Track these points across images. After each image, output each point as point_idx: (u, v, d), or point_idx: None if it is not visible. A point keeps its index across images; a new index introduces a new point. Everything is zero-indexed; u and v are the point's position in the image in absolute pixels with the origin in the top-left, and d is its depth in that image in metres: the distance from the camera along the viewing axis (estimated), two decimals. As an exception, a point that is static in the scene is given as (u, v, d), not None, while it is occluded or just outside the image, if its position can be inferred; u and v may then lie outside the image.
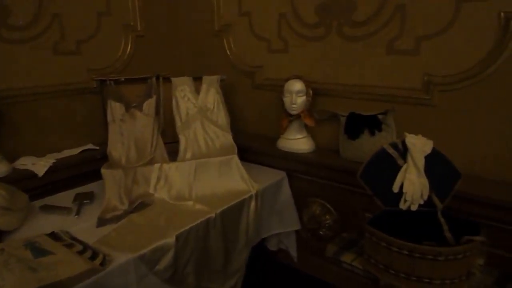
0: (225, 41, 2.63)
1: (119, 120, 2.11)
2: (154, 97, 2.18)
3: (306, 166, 2.23)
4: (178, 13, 2.75)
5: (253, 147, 2.41)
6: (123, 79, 2.17)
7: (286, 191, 2.30)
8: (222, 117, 2.30)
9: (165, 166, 2.03)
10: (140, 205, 1.87)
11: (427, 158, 1.43)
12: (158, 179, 2.01)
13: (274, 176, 2.25)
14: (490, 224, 1.58)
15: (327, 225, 2.25)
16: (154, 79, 2.20)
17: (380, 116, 1.96)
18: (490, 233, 1.43)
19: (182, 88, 2.26)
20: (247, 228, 2.02)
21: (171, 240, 1.60)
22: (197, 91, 2.28)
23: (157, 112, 2.18)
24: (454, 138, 1.80)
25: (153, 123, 2.15)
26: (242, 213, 2.00)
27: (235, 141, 2.22)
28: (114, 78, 2.16)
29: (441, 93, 1.83)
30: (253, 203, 2.03)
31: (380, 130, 1.95)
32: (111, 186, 1.89)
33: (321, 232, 2.28)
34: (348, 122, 2.03)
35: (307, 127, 2.26)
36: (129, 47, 2.54)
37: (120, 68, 2.50)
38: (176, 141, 2.19)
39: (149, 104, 2.17)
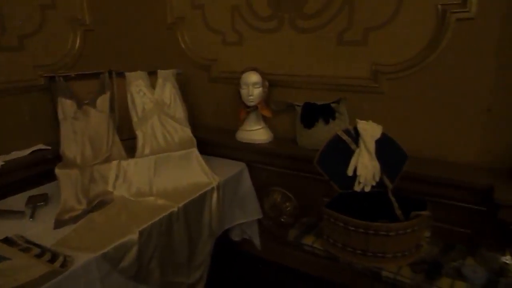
0: (179, 34, 2.60)
1: (71, 118, 2.03)
2: (108, 93, 2.12)
3: (265, 156, 2.28)
4: (129, 6, 2.68)
5: (212, 140, 2.42)
6: (73, 75, 2.09)
7: (246, 182, 2.34)
8: (179, 111, 2.29)
9: (124, 163, 2.00)
10: (99, 204, 1.83)
11: (377, 142, 1.53)
12: (117, 176, 1.97)
13: (234, 167, 2.28)
14: (434, 200, 1.72)
15: (287, 212, 2.33)
16: (106, 74, 2.14)
17: (333, 105, 2.05)
18: (434, 208, 1.57)
19: (137, 83, 2.22)
20: (210, 220, 2.05)
21: (134, 236, 1.58)
22: (153, 85, 2.25)
23: (111, 109, 2.12)
24: (401, 122, 1.92)
25: (108, 120, 2.09)
26: (204, 206, 2.02)
27: (194, 135, 2.23)
28: (63, 74, 2.07)
29: (388, 81, 1.94)
30: (215, 195, 2.05)
31: (333, 118, 2.04)
32: (67, 187, 1.83)
33: (282, 219, 2.36)
34: (304, 112, 2.10)
35: (264, 118, 2.31)
36: (77, 41, 2.44)
37: (70, 64, 2.39)
38: (134, 138, 2.15)
39: (103, 100, 2.11)
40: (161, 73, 2.29)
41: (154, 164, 2.03)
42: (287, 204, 2.33)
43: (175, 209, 1.82)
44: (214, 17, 2.45)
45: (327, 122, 2.04)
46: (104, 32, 2.56)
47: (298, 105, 2.15)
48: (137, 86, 2.22)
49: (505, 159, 1.73)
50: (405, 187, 1.61)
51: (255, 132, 2.28)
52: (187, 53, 2.60)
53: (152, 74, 2.27)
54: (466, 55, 1.73)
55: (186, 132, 2.23)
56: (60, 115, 2.01)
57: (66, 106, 2.03)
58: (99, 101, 2.10)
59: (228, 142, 2.38)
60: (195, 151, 2.13)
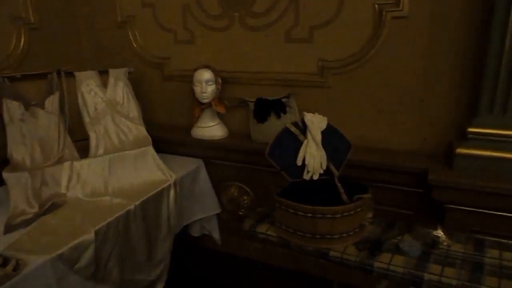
0: (130, 33, 2.58)
1: (18, 120, 1.96)
2: (57, 94, 2.07)
3: (221, 152, 2.34)
4: (76, 3, 2.62)
5: (168, 138, 2.44)
6: (19, 76, 2.02)
7: (204, 178, 2.38)
8: (133, 110, 2.28)
9: (76, 164, 1.97)
10: (52, 206, 1.79)
11: (323, 133, 1.63)
12: (70, 178, 1.94)
13: (191, 164, 2.32)
14: (378, 185, 1.87)
15: (245, 205, 2.40)
16: (54, 74, 2.09)
17: (284, 100, 2.14)
18: (378, 192, 1.70)
19: (88, 83, 2.19)
20: (168, 217, 2.07)
21: (89, 236, 1.58)
22: (104, 85, 2.23)
23: (61, 109, 2.08)
24: (346, 114, 2.05)
25: (58, 121, 2.05)
26: (162, 203, 2.04)
27: (149, 133, 2.23)
28: (8, 75, 2.00)
29: (334, 75, 2.06)
30: (172, 192, 2.08)
31: (285, 112, 2.13)
32: (17, 190, 1.78)
33: (240, 213, 2.42)
34: (256, 107, 2.18)
35: (219, 115, 2.36)
36: (22, 41, 2.35)
37: (14, 65, 2.30)
38: (87, 138, 2.13)
39: (52, 101, 2.06)
40: (112, 72, 2.27)
41: (108, 163, 2.02)
42: (245, 197, 2.40)
43: (132, 207, 1.83)
44: (165, 15, 2.45)
45: (278, 116, 2.13)
46: (51, 31, 2.48)
47: (251, 101, 2.22)
48: (87, 85, 2.19)
49: (438, 145, 1.91)
50: (351, 174, 1.73)
51: (210, 129, 2.33)
52: (140, 52, 2.59)
53: (103, 74, 2.25)
54: (401, 50, 1.88)
55: (140, 130, 2.24)
56: (6, 118, 1.94)
57: (12, 108, 1.96)
58: (47, 102, 2.04)
59: (184, 140, 2.41)
60: (150, 149, 2.14)
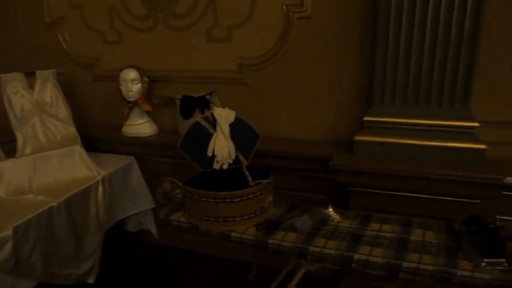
0: (59, 34, 2.62)
1: None
2: (-19, 96, 2.09)
3: (151, 148, 2.43)
4: (6, 4, 2.62)
5: (98, 137, 2.50)
6: None
7: (136, 174, 2.45)
8: (62, 110, 2.32)
9: (-1, 164, 2.00)
10: (-28, 207, 1.82)
11: (232, 125, 1.76)
12: (-7, 178, 1.97)
13: (122, 161, 2.38)
14: (290, 172, 2.03)
15: (178, 198, 2.48)
16: (-23, 76, 2.11)
17: (207, 96, 2.25)
18: (290, 180, 1.85)
19: (14, 85, 2.21)
20: (97, 212, 2.13)
21: (7, 232, 1.63)
22: (31, 86, 2.25)
23: (-14, 112, 2.10)
24: (264, 108, 2.20)
25: (-19, 123, 2.07)
26: (89, 199, 2.10)
27: (81, 133, 2.28)
28: None
29: (251, 72, 2.21)
30: (100, 188, 2.14)
31: (208, 108, 2.24)
32: None
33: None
34: (182, 104, 2.28)
35: (148, 112, 2.45)
36: None
37: None
38: (14, 140, 2.15)
39: (-25, 104, 2.08)
40: (39, 73, 2.30)
41: (34, 163, 2.06)
42: (177, 191, 2.48)
43: (55, 204, 1.88)
44: (93, 17, 2.51)
45: (203, 112, 2.24)
46: (-25, 33, 2.48)
47: (177, 99, 2.32)
48: (14, 87, 2.21)
49: (345, 135, 2.08)
50: (263, 163, 1.87)
51: (140, 126, 2.41)
52: (69, 53, 2.63)
53: (31, 75, 2.27)
54: (308, 47, 2.04)
55: (69, 130, 2.28)
56: None
57: None
58: (-31, 104, 2.06)
59: (115, 137, 2.47)
60: (77, 148, 2.20)
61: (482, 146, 1.68)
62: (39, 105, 2.25)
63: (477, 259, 1.27)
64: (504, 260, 1.25)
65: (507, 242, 1.31)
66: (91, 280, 2.14)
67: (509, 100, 1.79)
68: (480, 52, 1.63)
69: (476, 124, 1.69)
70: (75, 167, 2.16)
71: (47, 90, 2.30)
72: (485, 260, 1.25)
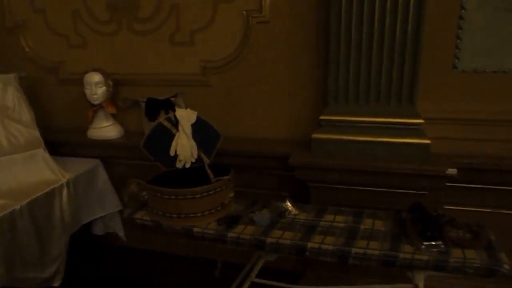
0: (21, 38, 2.60)
1: None
2: None
3: (117, 151, 2.45)
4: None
5: (63, 140, 2.50)
6: None
7: (102, 177, 2.47)
8: (25, 114, 2.32)
9: (-41, 169, 1.98)
10: None
11: (194, 125, 1.82)
12: (-49, 183, 1.95)
13: (87, 164, 2.39)
14: (254, 171, 2.10)
15: (145, 200, 2.52)
16: None
17: (172, 99, 2.30)
18: (253, 177, 1.92)
19: (-27, 90, 2.19)
20: (61, 216, 2.13)
21: (-33, 236, 1.63)
22: (-7, 91, 2.24)
23: None
24: (227, 109, 2.28)
25: None
26: (54, 202, 2.10)
27: (45, 137, 2.28)
28: None
29: (214, 75, 2.28)
30: (65, 191, 2.15)
31: (173, 110, 2.28)
32: None
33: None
34: (147, 107, 2.32)
35: (114, 115, 2.47)
36: None
37: None
38: (-26, 145, 2.13)
39: None
40: (1, 77, 2.29)
41: (-5, 167, 2.05)
42: (144, 193, 2.51)
43: (18, 207, 1.88)
44: (56, 21, 2.51)
45: (167, 114, 2.29)
46: None
47: (142, 101, 2.36)
48: (-27, 92, 2.19)
49: (305, 133, 2.18)
50: (226, 161, 1.94)
51: (105, 129, 2.43)
52: (32, 57, 2.62)
53: (-9, 80, 2.26)
54: (268, 50, 2.14)
55: (32, 133, 2.28)
56: None
57: None
58: None
59: (80, 141, 2.48)
60: (41, 151, 2.20)
61: (427, 141, 1.82)
62: (1, 109, 2.23)
63: (418, 242, 1.39)
64: (440, 242, 1.37)
65: (446, 226, 1.44)
66: (56, 284, 2.13)
67: (451, 99, 1.94)
68: (424, 56, 1.77)
69: (422, 121, 1.83)
70: (39, 171, 2.16)
71: (9, 94, 2.29)
72: (424, 243, 1.37)
